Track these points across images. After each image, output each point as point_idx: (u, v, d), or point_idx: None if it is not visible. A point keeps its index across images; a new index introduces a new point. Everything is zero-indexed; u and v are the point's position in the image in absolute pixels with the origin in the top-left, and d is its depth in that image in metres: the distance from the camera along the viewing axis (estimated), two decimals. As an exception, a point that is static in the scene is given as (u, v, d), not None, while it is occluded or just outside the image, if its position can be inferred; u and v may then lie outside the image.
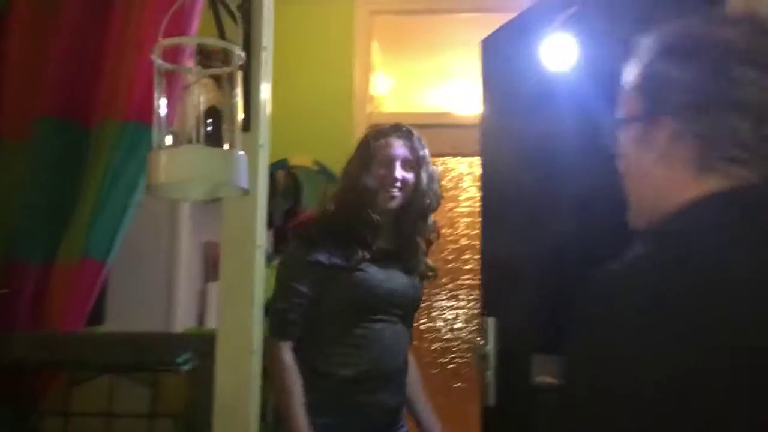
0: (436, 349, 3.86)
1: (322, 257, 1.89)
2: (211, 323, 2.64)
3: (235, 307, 1.45)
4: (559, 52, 1.96)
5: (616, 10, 1.79)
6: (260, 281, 1.46)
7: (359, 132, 2.96)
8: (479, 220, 3.87)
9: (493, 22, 3.27)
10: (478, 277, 3.78)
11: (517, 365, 2.01)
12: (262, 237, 1.46)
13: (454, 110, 4.00)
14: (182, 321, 2.58)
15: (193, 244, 2.68)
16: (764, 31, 0.86)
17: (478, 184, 3.94)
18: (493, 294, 2.21)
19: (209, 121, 1.24)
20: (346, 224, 1.99)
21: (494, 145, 2.29)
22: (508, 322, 2.10)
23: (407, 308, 2.03)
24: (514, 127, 2.18)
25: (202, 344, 1.49)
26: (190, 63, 1.55)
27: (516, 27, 2.20)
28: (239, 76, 1.19)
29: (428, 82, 3.95)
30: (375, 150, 2.03)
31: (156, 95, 1.17)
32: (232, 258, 1.46)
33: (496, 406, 2.09)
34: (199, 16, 1.61)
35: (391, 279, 1.98)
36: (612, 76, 1.75)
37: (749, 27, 0.86)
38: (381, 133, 2.07)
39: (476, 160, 3.95)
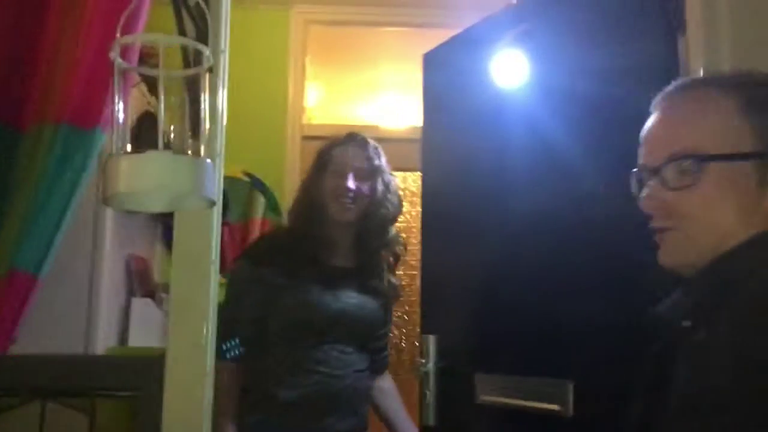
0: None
1: (268, 276, 1.82)
2: (134, 342, 2.49)
3: (188, 326, 1.36)
4: (509, 68, 1.95)
5: (567, 28, 1.81)
6: (214, 298, 1.37)
7: (292, 143, 2.89)
8: (414, 235, 3.88)
9: (424, 37, 3.28)
10: (413, 292, 3.77)
11: (459, 384, 1.98)
12: (216, 251, 1.38)
13: (381, 124, 3.99)
14: (103, 340, 2.42)
15: (116, 257, 2.52)
16: None
17: (412, 199, 3.95)
18: (434, 311, 2.16)
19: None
20: (295, 240, 1.91)
21: (436, 161, 2.26)
22: (450, 340, 2.06)
23: (360, 330, 1.94)
24: (457, 143, 2.16)
25: (148, 366, 1.39)
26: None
27: (462, 41, 2.18)
28: (206, 79, 1.12)
29: (357, 94, 3.92)
30: (328, 160, 1.96)
31: (115, 98, 1.08)
32: (184, 273, 1.37)
33: (436, 426, 2.04)
34: (146, 17, 1.52)
35: (340, 299, 1.90)
36: (563, 93, 1.78)
37: None
38: (335, 142, 2.01)
39: (408, 175, 3.96)
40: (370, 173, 1.97)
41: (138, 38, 1.10)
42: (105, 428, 1.40)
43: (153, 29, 1.52)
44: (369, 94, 3.91)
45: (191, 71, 1.10)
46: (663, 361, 0.92)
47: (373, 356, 2.02)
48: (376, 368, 2.07)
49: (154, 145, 1.12)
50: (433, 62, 2.30)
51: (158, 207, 1.17)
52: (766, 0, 1.40)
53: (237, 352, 1.82)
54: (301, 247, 1.90)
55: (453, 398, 2.02)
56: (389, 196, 2.02)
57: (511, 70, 1.95)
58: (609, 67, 1.66)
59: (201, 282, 1.36)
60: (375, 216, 1.97)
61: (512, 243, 1.92)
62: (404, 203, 3.91)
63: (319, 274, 1.89)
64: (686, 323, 0.87)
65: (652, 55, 1.54)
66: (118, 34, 1.09)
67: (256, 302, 1.82)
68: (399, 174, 3.85)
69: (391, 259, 2.06)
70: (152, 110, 1.95)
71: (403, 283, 3.80)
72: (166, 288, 2.69)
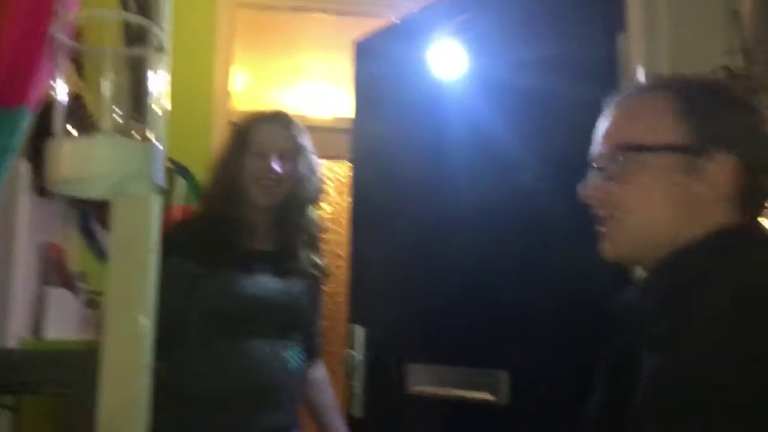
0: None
1: (182, 265, 1.68)
2: (50, 333, 2.36)
3: (125, 318, 1.29)
4: (447, 59, 1.96)
5: (507, 20, 1.83)
6: (153, 288, 1.31)
7: (217, 128, 2.81)
8: (342, 225, 3.85)
9: (353, 26, 3.26)
10: (337, 283, 3.75)
11: (389, 375, 1.98)
12: (155, 239, 1.32)
13: (308, 112, 3.95)
14: (15, 331, 2.29)
15: (30, 244, 2.39)
16: None
17: (340, 188, 3.93)
18: (362, 302, 2.16)
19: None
20: (211, 225, 1.80)
21: (367, 151, 2.25)
22: (379, 330, 2.06)
23: (285, 318, 1.83)
24: (390, 133, 2.16)
25: (79, 360, 1.32)
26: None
27: (398, 31, 2.18)
28: (157, 59, 1.06)
29: (283, 81, 3.86)
30: (249, 139, 1.85)
31: (56, 76, 1.01)
32: (121, 262, 1.30)
33: (364, 417, 2.04)
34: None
35: (258, 284, 1.79)
36: (502, 85, 1.80)
37: None
38: (256, 119, 1.89)
39: (335, 165, 3.93)
40: (294, 153, 1.87)
41: (84, 13, 1.03)
42: (31, 425, 1.32)
43: (85, 6, 1.44)
44: (296, 81, 3.86)
45: (140, 50, 1.04)
46: (624, 356, 0.93)
47: (303, 344, 1.91)
48: (308, 355, 1.95)
49: (83, 128, 1.06)
50: (365, 51, 2.28)
51: (102, 192, 1.10)
52: (702, 3, 1.47)
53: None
54: (217, 233, 1.79)
55: (382, 389, 2.02)
56: (312, 177, 1.91)
57: (449, 61, 1.96)
58: (549, 61, 1.70)
59: (139, 271, 1.29)
60: (296, 197, 1.88)
61: (446, 234, 1.93)
62: (332, 192, 3.91)
63: (237, 259, 1.78)
64: (654, 310, 0.89)
65: (592, 50, 1.59)
66: (59, 10, 1.03)
67: (171, 294, 1.59)
68: (326, 163, 3.84)
69: (308, 239, 1.94)
70: (79, 92, 1.85)
71: (331, 273, 3.79)
72: (83, 277, 2.57)
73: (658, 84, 1.00)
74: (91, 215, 2.88)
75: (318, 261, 1.95)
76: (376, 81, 2.22)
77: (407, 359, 1.93)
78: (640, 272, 1.02)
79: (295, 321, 1.88)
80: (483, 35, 1.87)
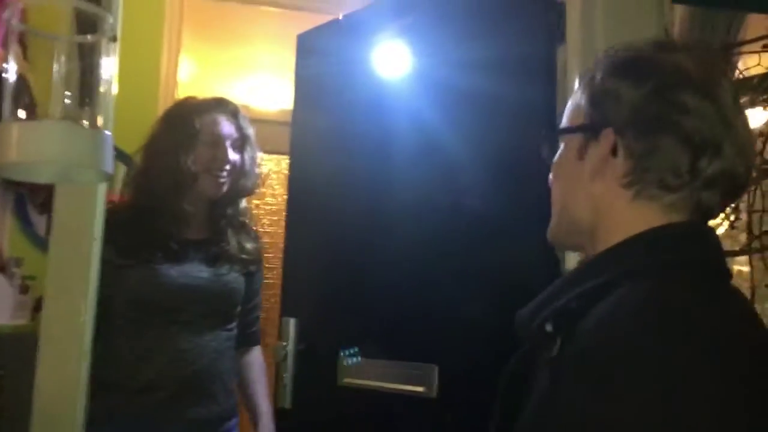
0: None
1: (108, 254, 1.56)
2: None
3: (65, 304, 1.30)
4: (390, 58, 1.99)
5: (449, 23, 1.87)
6: (95, 275, 1.32)
7: (163, 117, 2.79)
8: (284, 217, 3.83)
9: (302, 20, 3.28)
10: (280, 276, 3.75)
11: (320, 367, 2.00)
12: (99, 229, 1.33)
13: (253, 104, 3.93)
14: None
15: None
16: (714, 61, 0.87)
17: (285, 182, 3.93)
18: (296, 295, 2.16)
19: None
20: (141, 213, 1.76)
21: (305, 144, 2.25)
22: (312, 323, 2.07)
23: (214, 306, 1.81)
24: (329, 128, 2.16)
25: (19, 343, 1.31)
26: None
27: (342, 27, 2.18)
28: (108, 46, 1.07)
29: (230, 72, 3.84)
30: (197, 127, 1.81)
31: (9, 60, 1.01)
32: (63, 249, 1.31)
33: (292, 408, 2.05)
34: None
35: (187, 274, 1.77)
36: (443, 86, 1.85)
37: (701, 54, 0.86)
38: (204, 107, 1.86)
39: (284, 158, 3.93)
40: (242, 143, 1.87)
41: (41, 1, 1.03)
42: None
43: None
44: (242, 72, 3.84)
45: (94, 38, 1.05)
46: (519, 373, 0.89)
47: (241, 330, 1.92)
48: (245, 341, 1.97)
49: (28, 112, 1.07)
50: (307, 44, 2.28)
51: (48, 178, 1.11)
52: (636, 18, 1.54)
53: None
54: (148, 222, 1.76)
55: (312, 381, 2.03)
56: (255, 168, 1.92)
57: (390, 59, 1.98)
58: (488, 63, 1.74)
59: (81, 259, 1.30)
60: (237, 187, 1.88)
61: (379, 230, 1.96)
62: (276, 186, 3.91)
63: (166, 249, 1.76)
64: (548, 327, 0.82)
65: (531, 54, 1.65)
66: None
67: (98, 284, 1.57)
68: (273, 157, 3.84)
69: (240, 226, 1.94)
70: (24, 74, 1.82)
71: (272, 266, 3.80)
72: (17, 262, 2.52)
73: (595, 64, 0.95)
74: (27, 200, 2.83)
75: (249, 246, 1.93)
76: (317, 75, 2.21)
77: (337, 352, 1.95)
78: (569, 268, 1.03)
79: (227, 309, 1.87)
80: (425, 36, 1.90)
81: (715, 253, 0.84)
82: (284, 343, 2.05)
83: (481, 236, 1.73)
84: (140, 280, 1.72)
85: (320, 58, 2.22)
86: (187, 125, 1.82)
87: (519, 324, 0.90)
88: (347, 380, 1.91)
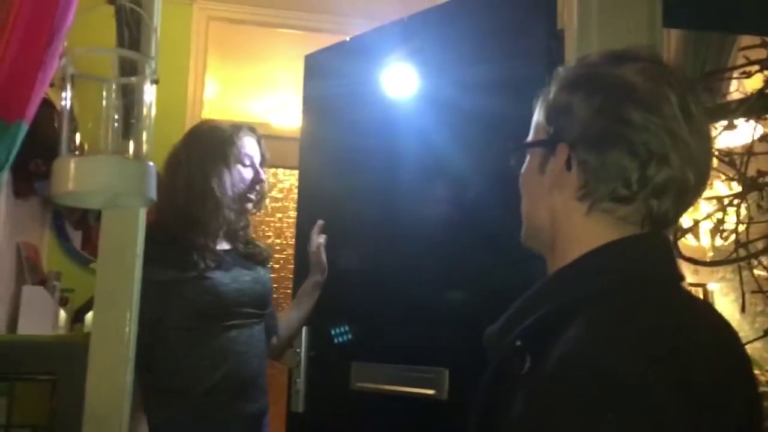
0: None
1: (157, 275, 1.71)
2: (23, 330, 2.47)
3: (112, 314, 1.44)
4: (396, 79, 2.08)
5: (454, 47, 1.96)
6: (138, 288, 1.46)
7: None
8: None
9: (318, 41, 3.41)
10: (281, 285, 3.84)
11: (333, 372, 2.06)
12: (141, 246, 1.47)
13: (273, 121, 4.08)
14: (-8, 326, 2.39)
15: (7, 244, 2.50)
16: (661, 74, 0.88)
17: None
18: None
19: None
20: (188, 229, 1.88)
21: (314, 160, 2.34)
22: (324, 330, 2.12)
23: (259, 305, 1.96)
24: (337, 144, 2.24)
25: (69, 351, 1.46)
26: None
27: (348, 49, 2.27)
28: (147, 86, 1.21)
29: (251, 92, 3.98)
30: (235, 149, 1.94)
31: (63, 101, 1.16)
32: (109, 264, 1.45)
33: (306, 412, 2.11)
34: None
35: (236, 279, 1.91)
36: (447, 108, 1.95)
37: (649, 68, 0.88)
38: (237, 132, 1.99)
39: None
40: (264, 163, 2.03)
41: (93, 51, 1.18)
42: (24, 410, 1.46)
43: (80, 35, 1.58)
44: (263, 91, 3.98)
45: (138, 81, 1.19)
46: (491, 390, 0.90)
47: (267, 322, 2.04)
48: (274, 331, 2.09)
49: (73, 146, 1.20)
50: (314, 65, 2.37)
51: (98, 204, 1.25)
52: (629, 43, 1.65)
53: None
54: (192, 238, 1.87)
55: (325, 386, 2.09)
56: (266, 188, 2.06)
57: (398, 81, 2.07)
58: (492, 85, 1.83)
59: (126, 273, 1.44)
60: (260, 204, 2.04)
61: (390, 239, 2.03)
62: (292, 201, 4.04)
63: (211, 260, 1.88)
64: (518, 343, 0.84)
65: (533, 77, 1.73)
66: (64, 43, 1.17)
67: (149, 302, 1.63)
68: (294, 172, 3.98)
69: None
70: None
71: (282, 275, 3.93)
72: (57, 276, 2.68)
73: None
74: (65, 217, 2.99)
75: (262, 245, 2.09)
76: (324, 95, 2.30)
77: (352, 357, 2.02)
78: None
79: (265, 306, 2.01)
80: (430, 59, 1.99)
81: (669, 264, 0.88)
82: (297, 350, 2.13)
83: (488, 244, 1.79)
84: (198, 291, 1.83)
85: (327, 79, 2.30)
86: (227, 146, 1.94)
87: (488, 340, 0.92)
88: (359, 384, 1.98)
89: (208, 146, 1.96)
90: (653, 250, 0.88)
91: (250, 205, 1.99)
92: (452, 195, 1.91)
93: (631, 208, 0.86)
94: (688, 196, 0.88)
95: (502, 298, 1.75)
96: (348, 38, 2.32)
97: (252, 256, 2.01)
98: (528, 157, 0.98)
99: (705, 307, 0.88)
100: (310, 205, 2.29)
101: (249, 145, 1.99)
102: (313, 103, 2.35)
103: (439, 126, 1.95)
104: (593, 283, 0.83)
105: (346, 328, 2.00)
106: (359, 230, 2.13)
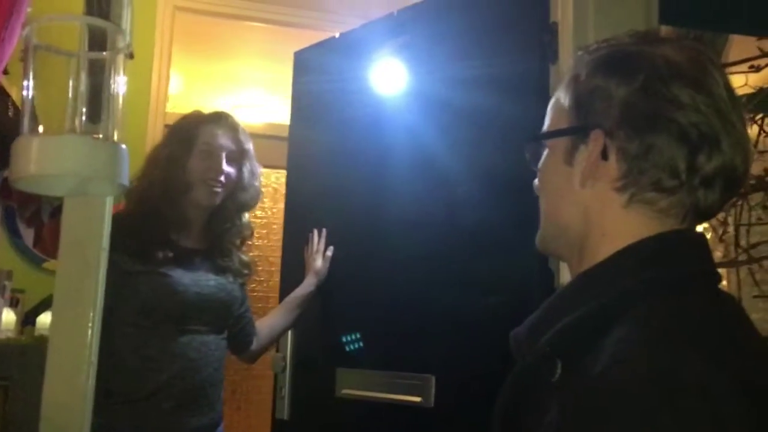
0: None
1: (117, 261, 1.58)
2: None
3: (74, 314, 1.31)
4: (386, 76, 2.03)
5: (444, 42, 1.91)
6: (102, 286, 1.33)
7: (153, 130, 2.81)
8: (274, 231, 3.87)
9: (290, 36, 3.32)
10: (270, 288, 3.76)
11: (318, 379, 2.02)
12: (107, 239, 1.34)
13: (242, 118, 3.96)
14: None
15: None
16: (703, 52, 0.81)
17: (274, 196, 3.96)
18: None
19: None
20: (146, 221, 1.79)
21: (303, 159, 2.29)
22: (309, 335, 2.10)
23: (219, 314, 1.86)
24: (326, 142, 2.20)
25: (22, 355, 1.33)
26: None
27: (338, 45, 2.23)
28: (121, 62, 1.10)
29: (218, 86, 3.87)
30: (197, 139, 1.86)
31: (26, 75, 1.04)
32: (72, 258, 1.32)
33: (290, 419, 2.07)
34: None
35: (197, 282, 1.81)
36: (438, 103, 1.90)
37: (689, 46, 0.81)
38: (204, 120, 1.91)
39: (273, 172, 3.96)
40: (240, 156, 1.92)
41: (59, 18, 1.06)
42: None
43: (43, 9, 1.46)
44: (230, 87, 3.87)
45: (110, 54, 1.07)
46: (515, 398, 0.82)
47: (237, 338, 1.97)
48: (242, 349, 2.02)
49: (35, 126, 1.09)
50: (304, 61, 2.33)
51: (63, 190, 1.13)
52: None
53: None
54: (153, 229, 1.79)
55: (310, 392, 2.06)
56: (253, 183, 1.98)
57: (387, 77, 2.03)
58: (483, 85, 1.79)
59: (89, 268, 1.32)
60: (236, 200, 1.93)
61: (375, 242, 1.99)
62: (266, 200, 3.94)
63: (173, 257, 1.79)
64: (548, 349, 0.77)
65: (524, 72, 1.69)
66: (27, 10, 1.05)
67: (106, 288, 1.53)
68: (264, 171, 3.86)
69: (240, 241, 2.00)
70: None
71: (262, 279, 3.82)
72: (8, 275, 2.52)
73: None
74: (16, 213, 2.83)
75: (245, 258, 1.99)
76: (314, 91, 2.26)
77: (337, 363, 1.98)
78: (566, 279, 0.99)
79: (228, 317, 1.91)
80: (421, 55, 1.95)
81: (710, 262, 0.82)
82: (282, 355, 2.09)
83: (476, 248, 1.75)
84: (154, 287, 1.74)
85: (316, 75, 2.26)
86: (185, 136, 1.87)
87: (515, 344, 0.85)
88: (345, 391, 1.94)
89: (172, 135, 1.92)
90: (695, 248, 0.81)
91: (213, 198, 1.87)
92: (445, 197, 1.86)
93: (675, 198, 0.78)
94: (735, 185, 0.81)
95: (491, 304, 1.71)
96: (330, 32, 2.30)
97: (222, 268, 1.90)
98: (547, 150, 0.88)
99: (740, 309, 0.80)
100: (298, 204, 2.25)
101: (211, 135, 1.88)
102: (302, 101, 2.31)
103: (433, 123, 1.91)
104: (637, 281, 0.76)
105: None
106: (346, 232, 2.08)
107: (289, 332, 2.10)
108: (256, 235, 3.84)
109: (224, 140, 1.89)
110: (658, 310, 0.72)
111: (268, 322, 2.07)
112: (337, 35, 2.27)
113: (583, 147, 0.82)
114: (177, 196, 1.83)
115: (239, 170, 1.92)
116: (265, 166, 3.88)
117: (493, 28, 1.81)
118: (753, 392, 0.65)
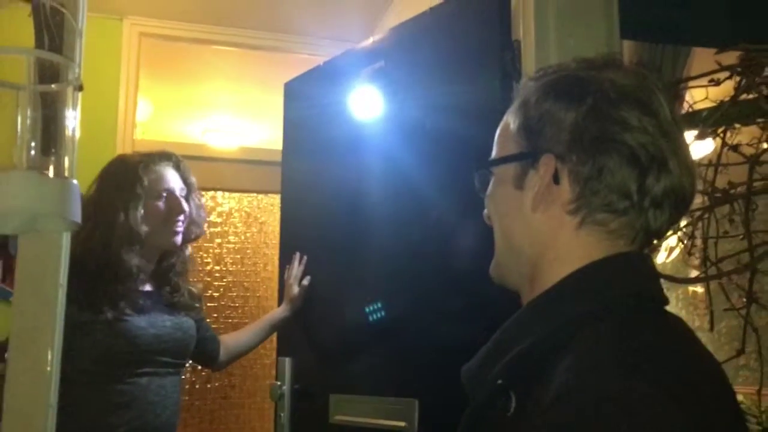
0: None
1: (72, 314, 1.44)
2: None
3: (31, 353, 1.27)
4: (364, 102, 2.05)
5: (416, 68, 1.93)
6: (61, 324, 1.29)
7: (121, 159, 2.77)
8: (248, 256, 3.84)
9: (258, 58, 3.30)
10: (245, 314, 3.73)
11: (314, 405, 2.04)
12: (65, 275, 1.31)
13: (211, 143, 3.93)
14: None
15: None
16: (647, 75, 0.82)
17: (246, 220, 3.92)
18: (290, 334, 2.21)
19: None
20: (101, 269, 1.73)
21: (295, 186, 2.33)
22: (305, 362, 2.12)
23: (177, 353, 1.84)
24: (315, 169, 2.23)
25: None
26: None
27: (321, 73, 2.28)
28: (73, 95, 1.07)
29: (186, 112, 3.84)
30: (149, 183, 1.81)
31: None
32: (28, 296, 1.28)
33: None
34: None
35: (154, 324, 1.78)
36: (412, 127, 1.89)
37: (635, 73, 0.81)
38: (150, 162, 1.86)
39: (245, 196, 3.93)
40: (188, 192, 1.90)
41: (5, 50, 1.03)
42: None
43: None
44: (200, 112, 3.85)
45: (59, 87, 1.05)
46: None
47: (204, 354, 2.03)
48: (209, 362, 2.09)
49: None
50: (293, 91, 2.38)
51: (13, 228, 1.09)
52: (587, 54, 1.60)
53: (381, 314, 1.83)
54: (106, 277, 1.73)
55: (307, 419, 2.08)
56: (201, 213, 1.95)
57: (365, 102, 2.05)
58: (452, 106, 1.80)
59: (47, 306, 1.28)
60: (188, 236, 1.91)
61: (358, 267, 2.00)
62: (239, 224, 3.91)
63: (133, 301, 1.76)
64: (500, 381, 0.75)
65: (491, 96, 1.69)
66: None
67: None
68: (234, 195, 3.84)
69: (184, 274, 1.97)
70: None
71: (236, 305, 3.78)
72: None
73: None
74: (-18, 247, 2.77)
75: (194, 290, 1.98)
76: (302, 119, 2.31)
77: (331, 390, 2.00)
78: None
79: (185, 355, 1.91)
80: (395, 81, 1.96)
81: (655, 285, 0.82)
82: (279, 383, 2.11)
83: (457, 271, 1.75)
84: (110, 333, 1.70)
85: (303, 102, 2.31)
86: (134, 182, 1.80)
87: (466, 379, 0.83)
88: (338, 417, 1.96)
89: (116, 180, 1.82)
90: (641, 271, 0.81)
91: (176, 239, 1.85)
92: (422, 221, 1.85)
93: (625, 219, 0.78)
94: (683, 206, 0.81)
95: (471, 326, 1.69)
96: (302, 55, 2.30)
97: (174, 305, 1.88)
98: (494, 177, 0.88)
99: (689, 330, 0.79)
100: (292, 229, 2.29)
101: (162, 177, 1.85)
102: (292, 128, 2.36)
103: (408, 146, 1.92)
104: (582, 308, 0.76)
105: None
106: (330, 256, 2.11)
107: (287, 360, 2.12)
108: (230, 261, 3.80)
109: (175, 179, 1.88)
110: (603, 336, 0.71)
111: (239, 337, 2.13)
112: (314, 58, 2.32)
113: (532, 172, 0.82)
114: (131, 244, 1.76)
115: (190, 205, 1.90)
116: (237, 191, 3.88)
117: (456, 48, 1.81)
118: (700, 414, 0.65)
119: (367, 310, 1.95)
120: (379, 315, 1.93)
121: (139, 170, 1.82)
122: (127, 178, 1.81)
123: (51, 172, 1.03)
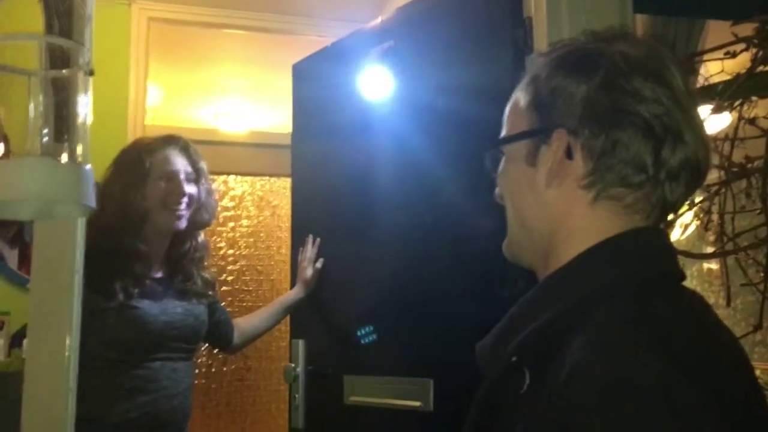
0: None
1: (84, 301, 1.49)
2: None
3: (48, 339, 1.28)
4: (374, 83, 2.04)
5: (427, 47, 1.91)
6: (78, 309, 1.30)
7: (132, 145, 2.77)
8: (262, 239, 3.85)
9: (268, 41, 3.29)
10: (258, 298, 3.74)
11: (328, 386, 2.05)
12: (80, 261, 1.31)
13: (222, 127, 3.93)
14: None
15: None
16: (658, 46, 0.81)
17: (259, 203, 3.93)
18: (303, 316, 2.22)
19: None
20: (110, 256, 1.76)
21: (306, 168, 2.32)
22: (319, 344, 2.13)
23: (189, 339, 1.87)
24: (326, 152, 2.23)
25: (3, 380, 1.30)
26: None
27: (330, 54, 2.26)
28: (84, 81, 1.07)
29: (197, 96, 3.83)
30: (152, 165, 1.84)
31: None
32: (44, 282, 1.29)
33: (305, 428, 2.10)
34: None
35: (165, 311, 1.81)
36: (423, 107, 1.88)
37: (646, 44, 0.81)
38: (155, 145, 1.89)
39: (258, 180, 3.93)
40: (196, 177, 1.91)
41: (14, 37, 1.03)
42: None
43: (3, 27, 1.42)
44: (210, 96, 3.84)
45: (70, 73, 1.04)
46: (485, 411, 0.81)
47: (218, 338, 2.05)
48: (223, 345, 2.11)
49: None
50: (301, 73, 2.36)
51: (28, 215, 1.10)
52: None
53: (372, 338, 1.84)
54: (115, 265, 1.76)
55: (322, 400, 2.10)
56: (211, 200, 1.96)
57: (374, 81, 2.03)
58: (464, 85, 1.79)
59: (63, 292, 1.29)
60: (194, 222, 1.92)
61: (373, 248, 2.00)
62: (251, 208, 3.91)
63: (139, 288, 1.78)
64: (514, 359, 0.75)
65: (503, 74, 1.67)
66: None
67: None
68: (247, 179, 3.84)
69: (198, 260, 1.99)
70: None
71: (250, 288, 3.79)
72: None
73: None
74: (-2, 235, 2.79)
75: (207, 276, 1.99)
76: (312, 101, 2.29)
77: (344, 371, 2.01)
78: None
79: (197, 342, 1.95)
80: (405, 61, 1.94)
81: (671, 261, 0.80)
82: (293, 365, 2.12)
83: (470, 250, 1.74)
84: (123, 321, 1.73)
85: (314, 85, 2.29)
86: (138, 164, 1.84)
87: (481, 356, 0.83)
88: (353, 398, 1.97)
89: (122, 165, 1.86)
90: (658, 246, 0.80)
91: (179, 223, 1.85)
92: (441, 202, 1.84)
93: (641, 193, 0.77)
94: (699, 178, 0.80)
95: (485, 305, 1.69)
96: (310, 36, 2.30)
97: (186, 291, 1.90)
98: (506, 154, 0.87)
99: (706, 305, 0.79)
100: (304, 211, 2.28)
101: (166, 159, 1.87)
102: (301, 110, 2.34)
103: (418, 126, 1.90)
104: (596, 285, 0.75)
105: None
106: (344, 238, 2.11)
107: (300, 342, 2.12)
108: (243, 244, 3.81)
109: (179, 162, 1.89)
110: (618, 314, 0.70)
111: (253, 320, 2.14)
112: (323, 40, 2.35)
113: (545, 147, 0.81)
114: (136, 227, 1.80)
115: (198, 190, 1.91)
116: (249, 174, 3.87)
117: (467, 26, 1.80)
118: (714, 389, 0.64)
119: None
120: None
121: (143, 153, 1.85)
122: (131, 161, 1.85)
123: (64, 158, 1.03)
